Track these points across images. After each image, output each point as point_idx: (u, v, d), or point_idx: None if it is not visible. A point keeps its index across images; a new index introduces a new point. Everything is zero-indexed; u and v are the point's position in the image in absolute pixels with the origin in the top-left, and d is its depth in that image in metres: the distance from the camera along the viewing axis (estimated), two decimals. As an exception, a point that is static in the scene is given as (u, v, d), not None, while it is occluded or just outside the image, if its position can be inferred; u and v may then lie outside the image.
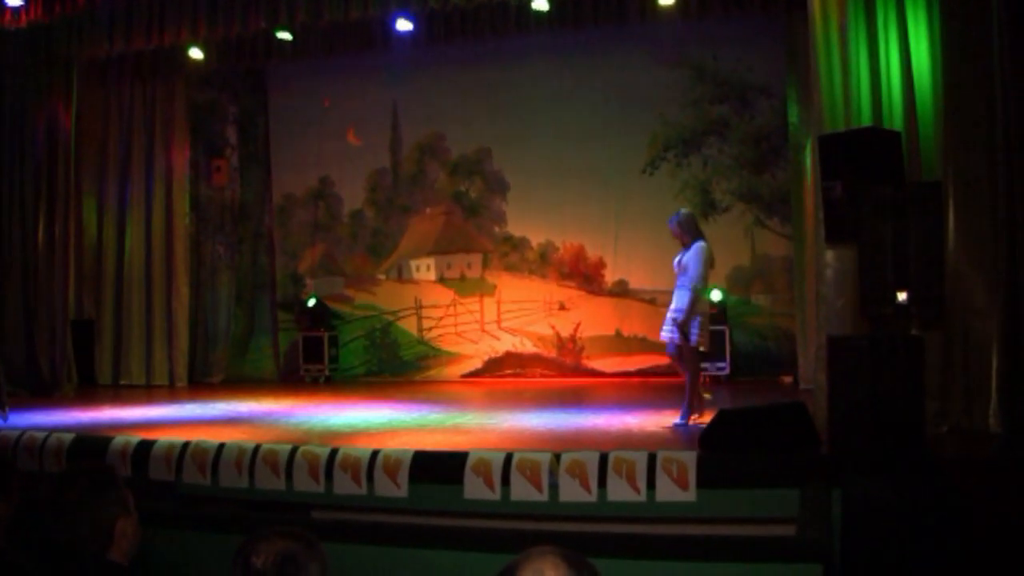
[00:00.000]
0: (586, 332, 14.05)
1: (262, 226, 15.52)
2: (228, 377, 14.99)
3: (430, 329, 14.62)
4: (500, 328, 14.44)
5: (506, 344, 14.38)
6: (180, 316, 14.59)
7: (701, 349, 8.91)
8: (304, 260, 15.34)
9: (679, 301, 8.80)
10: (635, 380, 13.40)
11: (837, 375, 7.03)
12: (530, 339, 14.25)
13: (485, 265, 14.52)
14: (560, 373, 14.00)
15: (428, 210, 14.89)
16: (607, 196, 13.68)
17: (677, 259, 8.97)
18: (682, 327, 8.70)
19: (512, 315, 14.39)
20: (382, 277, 15.04)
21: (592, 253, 14.08)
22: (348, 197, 15.20)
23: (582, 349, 14.08)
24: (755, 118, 13.21)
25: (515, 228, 14.49)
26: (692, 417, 8.85)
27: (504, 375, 14.28)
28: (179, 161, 14.69)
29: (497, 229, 14.57)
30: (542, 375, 14.07)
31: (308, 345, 14.57)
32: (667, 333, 8.87)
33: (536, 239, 14.22)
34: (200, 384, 14.62)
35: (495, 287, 14.49)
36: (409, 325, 14.79)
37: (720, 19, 12.69)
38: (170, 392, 13.81)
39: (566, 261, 14.20)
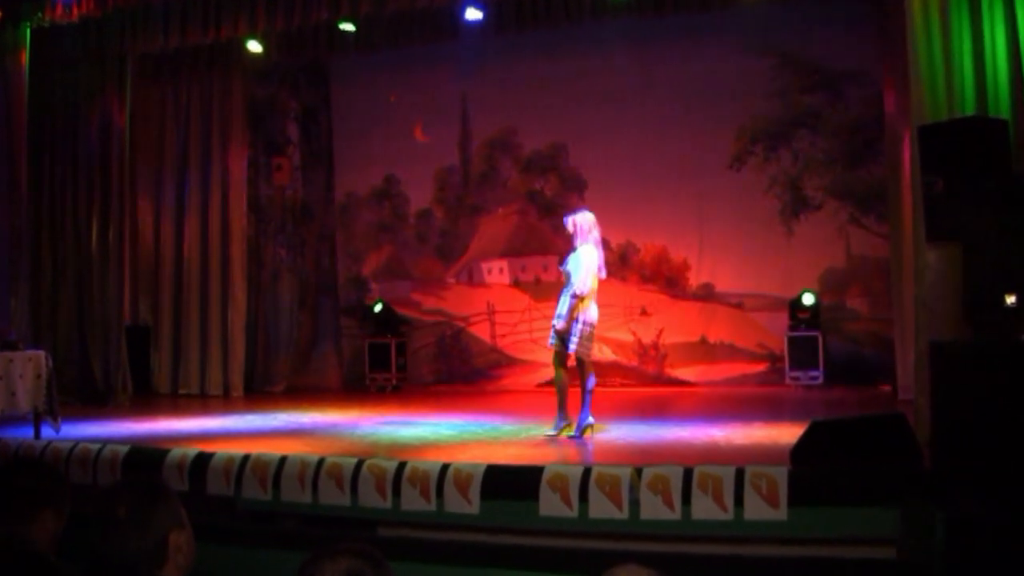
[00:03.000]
0: (669, 338, 14.04)
1: (325, 227, 15.68)
2: (290, 386, 15.09)
3: (504, 335, 14.67)
4: None
5: None
6: (236, 323, 14.67)
7: (584, 359, 8.99)
8: (369, 263, 15.53)
9: (561, 307, 9.00)
10: (721, 390, 13.34)
11: (940, 385, 6.94)
12: (609, 346, 14.16)
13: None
14: (641, 382, 14.00)
15: (500, 209, 14.97)
16: (691, 193, 13.65)
17: (565, 262, 9.13)
18: (561, 335, 8.91)
19: None
20: (452, 280, 15.15)
21: (675, 254, 14.07)
22: (415, 196, 15.32)
23: (664, 357, 14.08)
24: (848, 108, 13.10)
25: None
26: (563, 428, 9.06)
27: (581, 385, 14.18)
28: (238, 160, 14.78)
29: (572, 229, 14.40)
30: (622, 384, 14.01)
31: (374, 352, 14.67)
32: (551, 339, 9.11)
33: (615, 239, 14.05)
34: (261, 393, 14.72)
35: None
36: (481, 331, 14.86)
37: (809, 2, 12.67)
38: (227, 402, 13.88)
39: (647, 263, 14.21)
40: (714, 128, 13.51)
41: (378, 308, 14.86)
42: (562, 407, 9.22)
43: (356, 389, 14.79)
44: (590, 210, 9.52)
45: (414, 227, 15.29)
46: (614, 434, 9.42)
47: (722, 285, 13.78)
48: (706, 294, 13.85)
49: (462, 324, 14.97)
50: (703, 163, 13.57)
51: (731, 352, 13.54)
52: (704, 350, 13.83)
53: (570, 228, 9.15)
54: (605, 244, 13.66)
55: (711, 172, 13.57)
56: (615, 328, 14.16)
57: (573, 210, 9.41)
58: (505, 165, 14.89)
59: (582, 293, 8.86)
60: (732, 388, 13.37)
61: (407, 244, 15.33)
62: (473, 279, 14.93)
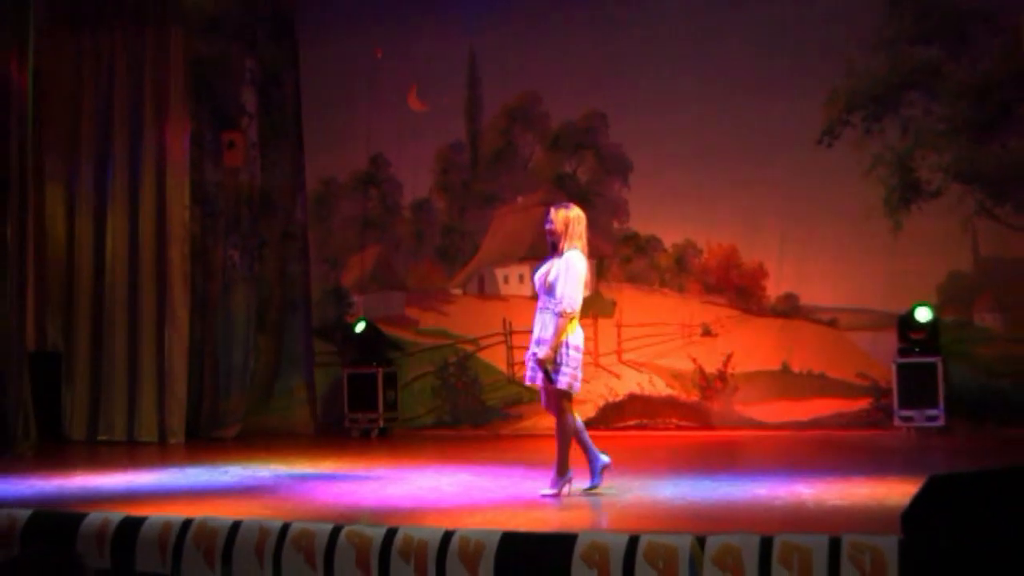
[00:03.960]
0: (740, 366, 14.04)
1: (292, 224, 15.78)
2: (246, 430, 15.18)
3: (524, 363, 14.56)
4: (621, 362, 14.49)
5: (629, 384, 14.43)
6: (176, 349, 14.78)
7: (572, 392, 9.08)
8: (350, 269, 15.58)
9: (542, 330, 9.07)
10: (809, 434, 13.32)
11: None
12: (662, 377, 14.30)
13: (600, 275, 14.40)
14: (703, 424, 14.02)
15: (520, 199, 15.04)
16: (769, 178, 13.67)
17: (542, 271, 9.20)
18: (543, 364, 8.93)
19: (637, 344, 14.40)
20: (457, 292, 15.19)
21: (748, 257, 14.09)
22: (410, 183, 15.39)
23: (735, 391, 14.07)
24: (978, 62, 12.97)
25: (640, 223, 14.55)
26: (564, 487, 9.15)
27: (626, 426, 14.29)
28: (177, 136, 14.84)
29: (616, 225, 14.61)
30: (678, 426, 14.12)
31: (356, 385, 14.75)
32: (529, 373, 9.21)
33: (670, 238, 14.26)
34: (208, 440, 14.79)
35: (614, 305, 14.51)
36: (495, 357, 14.90)
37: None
38: (163, 452, 13.94)
39: (712, 268, 14.21)
40: (799, 92, 13.47)
41: (361, 328, 14.91)
42: (590, 453, 9.32)
43: (332, 434, 14.88)
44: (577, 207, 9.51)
45: (409, 223, 15.38)
46: (668, 492, 9.40)
47: (809, 297, 13.78)
48: (788, 309, 13.85)
49: (471, 348, 15.00)
50: (784, 138, 13.58)
51: (821, 384, 13.52)
52: (786, 382, 13.81)
53: (558, 225, 9.14)
54: (655, 244, 14.49)
55: (795, 150, 13.56)
56: (669, 353, 14.27)
57: (558, 204, 9.46)
58: (526, 141, 14.96)
59: (571, 310, 8.94)
60: (823, 431, 13.30)
61: (400, 245, 15.44)
62: (485, 290, 15.00)
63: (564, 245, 9.07)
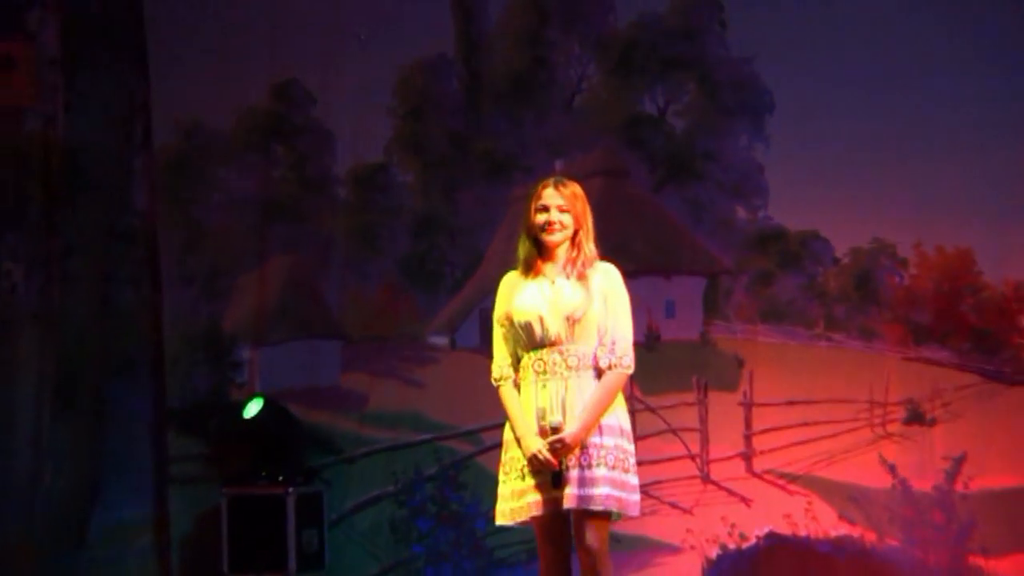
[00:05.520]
0: (983, 482, 13.20)
1: (125, 213, 14.65)
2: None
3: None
4: (752, 474, 13.95)
5: (768, 514, 13.71)
6: None
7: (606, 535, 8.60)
8: (237, 299, 15.03)
9: (566, 396, 8.48)
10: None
11: None
12: (831, 503, 13.52)
13: (710, 308, 14.27)
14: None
15: (558, 165, 14.24)
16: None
17: (544, 297, 8.57)
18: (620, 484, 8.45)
19: (783, 440, 13.81)
20: (441, 342, 14.92)
21: (994, 276, 13.50)
22: (350, 136, 14.86)
23: (971, 529, 13.11)
24: None
25: (788, 212, 14.13)
26: None
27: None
28: None
29: (742, 214, 14.44)
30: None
31: (246, 521, 13.85)
32: (579, 490, 8.32)
33: (844, 240, 13.81)
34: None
35: (739, 367, 14.04)
36: (507, 466, 14.08)
37: None
38: None
39: (926, 296, 13.75)
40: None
41: (256, 411, 13.87)
42: None
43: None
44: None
45: (350, 212, 14.75)
46: None
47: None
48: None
49: (466, 449, 14.43)
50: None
51: None
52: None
53: (573, 210, 8.49)
54: (816, 249, 14.33)
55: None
56: (844, 458, 13.67)
57: (556, 177, 8.76)
58: (569, 57, 14.54)
59: (628, 366, 8.43)
60: None
61: (331, 254, 14.65)
62: (487, 338, 13.84)
63: (584, 247, 8.52)
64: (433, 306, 14.02)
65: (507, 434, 8.59)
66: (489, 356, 12.73)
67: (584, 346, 8.35)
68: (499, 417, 12.90)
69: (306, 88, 14.22)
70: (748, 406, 13.51)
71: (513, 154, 13.84)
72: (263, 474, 13.84)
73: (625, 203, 13.73)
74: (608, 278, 8.43)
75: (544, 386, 8.45)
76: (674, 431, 14.17)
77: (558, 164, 13.57)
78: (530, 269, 8.55)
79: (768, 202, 13.39)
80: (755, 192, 13.43)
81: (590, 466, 8.23)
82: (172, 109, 14.75)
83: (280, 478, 13.62)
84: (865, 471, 13.37)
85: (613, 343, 8.34)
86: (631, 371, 8.36)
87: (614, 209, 13.97)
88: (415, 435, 14.18)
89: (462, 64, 14.10)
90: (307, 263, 14.33)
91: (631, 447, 8.42)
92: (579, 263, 8.41)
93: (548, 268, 8.48)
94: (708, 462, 13.70)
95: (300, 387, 14.05)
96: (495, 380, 8.71)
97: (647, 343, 13.78)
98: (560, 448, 8.16)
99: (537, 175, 13.48)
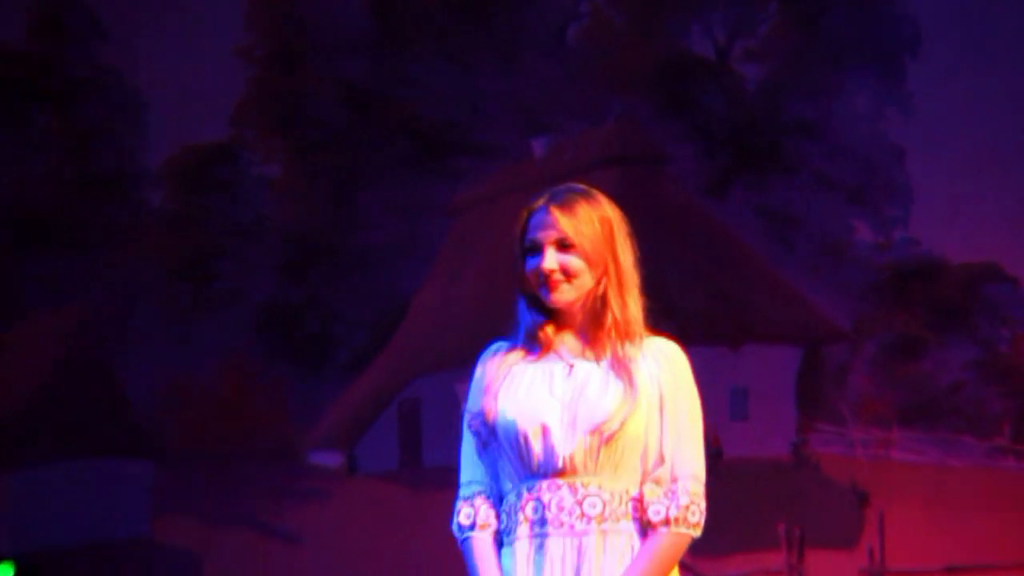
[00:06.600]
0: None
1: None
2: None
3: None
4: None
5: None
6: None
7: None
8: None
9: (603, 559, 6.19)
10: None
11: None
12: None
13: (809, 401, 17.56)
14: None
15: (536, 143, 15.65)
16: None
17: (550, 407, 6.09)
18: None
19: None
20: (329, 462, 15.82)
21: None
22: (172, 102, 18.35)
23: None
24: None
25: (944, 232, 15.36)
26: None
27: None
28: None
29: (865, 233, 15.39)
30: None
31: None
32: None
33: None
34: None
35: (860, 503, 15.51)
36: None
37: None
38: None
39: None
40: None
41: None
42: None
43: None
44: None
45: (170, 233, 12.73)
46: None
47: None
48: None
49: None
50: None
51: None
52: None
53: (587, 246, 5.97)
54: (1001, 308, 14.24)
55: None
56: None
57: (554, 191, 6.10)
58: None
59: (698, 524, 6.15)
60: None
61: (139, 312, 15.91)
62: (424, 459, 15.95)
63: (615, 309, 6.04)
64: (314, 398, 11.01)
65: None
66: (431, 483, 10.92)
67: (619, 482, 5.98)
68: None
69: (92, 14, 10.60)
70: (878, 573, 11.48)
71: (456, 123, 10.12)
72: None
73: (657, 212, 10.90)
74: (667, 365, 5.97)
75: (542, 547, 5.99)
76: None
77: (537, 144, 10.86)
78: (533, 343, 6.10)
79: (911, 213, 9.41)
80: (888, 194, 9.51)
81: None
82: None
83: None
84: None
85: (675, 481, 5.95)
86: (700, 532, 6.00)
87: (637, 222, 10.33)
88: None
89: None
90: (92, 324, 11.26)
91: None
92: (612, 336, 5.94)
93: (562, 341, 6.02)
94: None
95: (80, 541, 11.16)
96: (458, 527, 5.99)
97: (700, 463, 10.28)
98: None
99: (501, 160, 10.71)
